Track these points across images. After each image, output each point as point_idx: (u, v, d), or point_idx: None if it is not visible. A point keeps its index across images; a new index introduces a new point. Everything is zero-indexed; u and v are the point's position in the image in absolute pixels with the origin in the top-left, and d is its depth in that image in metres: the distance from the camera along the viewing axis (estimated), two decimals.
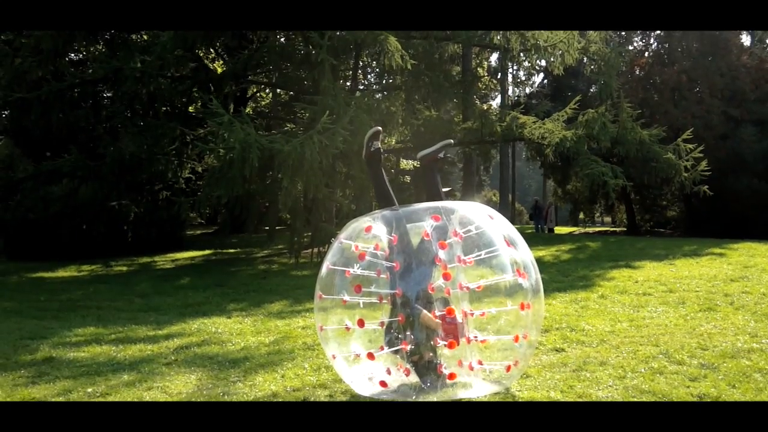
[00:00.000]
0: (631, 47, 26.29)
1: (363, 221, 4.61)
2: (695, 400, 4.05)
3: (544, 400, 4.14)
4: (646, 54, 26.14)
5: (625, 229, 26.99)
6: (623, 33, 25.22)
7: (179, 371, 5.32)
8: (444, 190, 5.32)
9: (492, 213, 4.66)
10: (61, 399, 4.58)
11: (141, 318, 8.23)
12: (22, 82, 14.73)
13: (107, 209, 16.80)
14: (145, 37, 16.85)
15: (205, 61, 19.18)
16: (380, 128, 5.16)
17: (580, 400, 4.12)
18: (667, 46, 25.46)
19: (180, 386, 4.85)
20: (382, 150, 5.11)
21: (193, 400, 4.44)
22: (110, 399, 4.54)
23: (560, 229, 28.84)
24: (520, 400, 4.17)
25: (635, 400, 4.08)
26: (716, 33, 23.40)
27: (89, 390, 4.77)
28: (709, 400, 4.03)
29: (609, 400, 4.10)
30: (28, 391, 4.78)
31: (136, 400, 4.50)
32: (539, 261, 12.04)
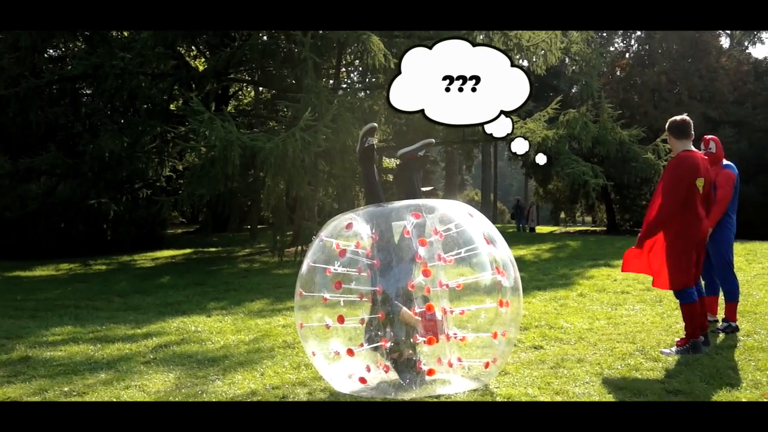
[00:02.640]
0: (612, 48, 26.54)
1: (344, 218, 4.61)
2: (670, 395, 4.10)
3: (522, 396, 4.17)
4: (627, 55, 26.42)
5: (605, 228, 27.22)
6: (605, 34, 25.43)
7: (158, 370, 5.29)
8: (426, 189, 5.33)
9: (472, 211, 4.69)
10: (36, 398, 4.53)
11: (120, 317, 8.16)
12: None
13: (86, 208, 16.63)
14: (126, 33, 16.72)
15: (187, 58, 19.07)
16: (375, 125, 5.15)
17: (558, 396, 4.15)
18: (647, 47, 25.74)
19: (158, 384, 4.82)
20: (375, 146, 5.10)
21: (171, 398, 4.41)
22: (87, 398, 4.51)
23: (541, 229, 29.02)
24: (508, 400, 4.20)
25: (612, 396, 4.12)
26: (696, 35, 23.69)
27: (66, 389, 4.72)
28: (685, 399, 4.07)
29: (586, 396, 4.13)
30: (2, 391, 4.73)
31: (113, 398, 4.47)
32: (520, 260, 12.12)
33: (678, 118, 5.28)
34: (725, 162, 5.96)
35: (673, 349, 5.15)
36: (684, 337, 5.18)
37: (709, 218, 5.57)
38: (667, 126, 5.28)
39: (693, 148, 5.19)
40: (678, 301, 5.25)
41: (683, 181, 4.98)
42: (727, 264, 5.90)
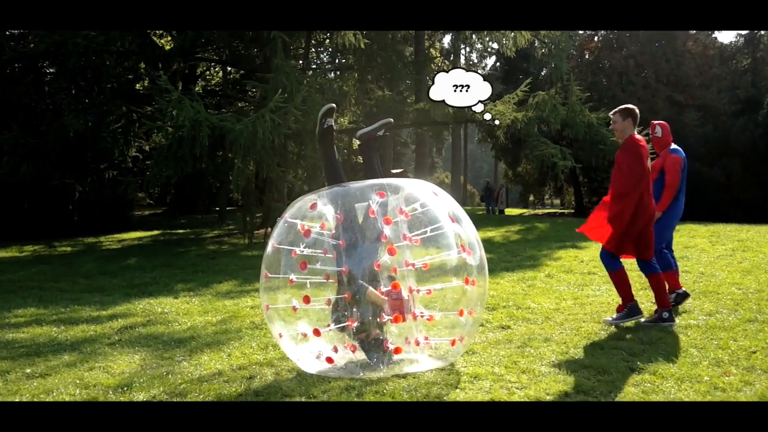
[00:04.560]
0: (581, 32, 26.68)
1: (308, 199, 4.58)
2: (633, 373, 4.17)
3: (489, 375, 4.20)
4: (596, 39, 26.59)
5: (573, 210, 27.54)
6: None
7: (123, 351, 5.22)
8: (397, 171, 5.33)
9: (436, 190, 4.69)
10: None
11: (85, 299, 8.04)
12: None
13: (50, 188, 16.29)
14: None
15: (153, 36, 18.70)
16: (334, 105, 5.10)
17: (524, 375, 4.20)
18: (615, 31, 25.91)
19: (123, 366, 4.76)
20: (335, 128, 5.07)
21: (136, 379, 4.36)
22: (50, 379, 4.44)
23: (510, 211, 29.25)
24: (475, 378, 4.22)
25: (576, 374, 4.18)
26: None
27: (28, 371, 4.64)
28: (649, 377, 4.14)
29: (552, 374, 4.18)
30: None
31: (76, 380, 4.40)
32: (489, 242, 12.17)
33: (633, 106, 5.66)
34: (673, 146, 6.23)
35: (614, 316, 5.57)
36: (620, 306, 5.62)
37: (659, 203, 6.02)
38: (627, 112, 5.56)
39: (636, 133, 5.59)
40: (606, 269, 5.66)
41: (643, 158, 5.38)
42: (663, 242, 6.15)
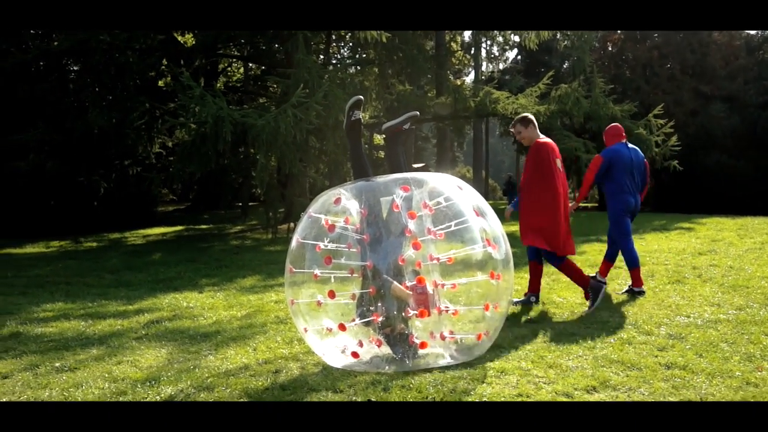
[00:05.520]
0: None
1: (332, 194, 4.57)
2: (663, 368, 4.11)
3: (516, 370, 4.17)
4: (619, 30, 26.28)
5: (596, 204, 27.27)
6: None
7: (150, 345, 5.26)
8: (418, 165, 5.29)
9: (461, 184, 4.65)
10: (27, 373, 4.51)
11: (111, 293, 8.12)
12: None
13: (76, 185, 16.50)
14: None
15: (175, 33, 18.82)
16: (361, 97, 5.08)
17: (551, 370, 4.16)
18: None
19: (150, 360, 4.80)
20: (362, 121, 5.05)
21: (164, 373, 4.39)
22: (78, 373, 4.48)
23: None
24: (501, 373, 4.20)
25: (604, 369, 4.13)
26: None
27: (57, 364, 4.70)
28: (679, 372, 4.08)
29: (579, 369, 4.13)
30: None
31: (105, 373, 4.44)
32: (512, 236, 12.16)
33: (522, 114, 6.25)
34: (609, 148, 6.73)
35: (591, 307, 5.85)
36: (584, 292, 6.02)
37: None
38: (526, 120, 6.05)
39: (542, 136, 6.06)
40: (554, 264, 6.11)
41: (545, 161, 5.86)
42: (613, 233, 6.70)
